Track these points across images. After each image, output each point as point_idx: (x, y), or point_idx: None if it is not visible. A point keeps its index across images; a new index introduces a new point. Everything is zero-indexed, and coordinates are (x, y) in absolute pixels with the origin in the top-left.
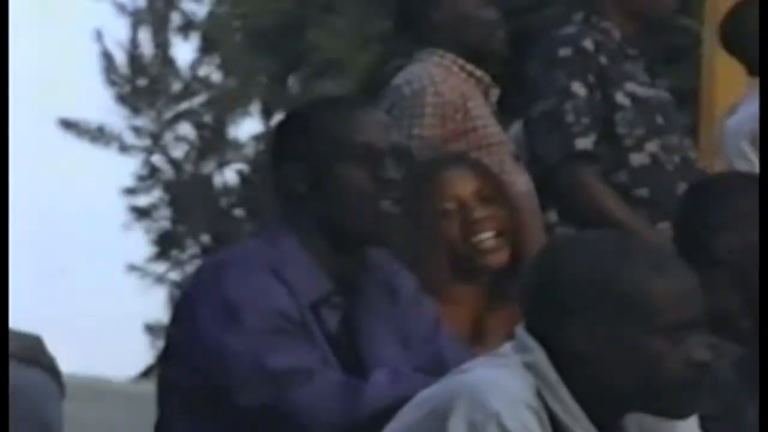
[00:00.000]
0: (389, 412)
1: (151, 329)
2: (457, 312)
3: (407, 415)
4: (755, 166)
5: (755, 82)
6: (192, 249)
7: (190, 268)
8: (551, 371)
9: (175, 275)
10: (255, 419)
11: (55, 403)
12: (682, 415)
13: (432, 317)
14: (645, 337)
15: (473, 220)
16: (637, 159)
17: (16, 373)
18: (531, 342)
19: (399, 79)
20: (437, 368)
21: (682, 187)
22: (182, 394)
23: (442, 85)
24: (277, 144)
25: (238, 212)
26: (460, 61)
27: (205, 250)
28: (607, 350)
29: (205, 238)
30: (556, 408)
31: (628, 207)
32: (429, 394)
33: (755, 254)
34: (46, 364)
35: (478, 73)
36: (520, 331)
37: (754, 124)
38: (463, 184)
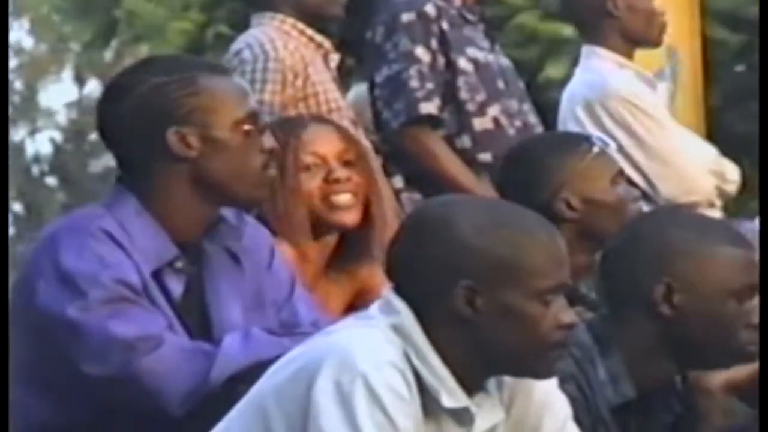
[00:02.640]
0: (243, 375)
1: None
2: (304, 268)
3: (275, 374)
4: (588, 131)
5: (588, 48)
6: None
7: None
8: (419, 334)
9: None
10: (104, 388)
11: None
12: (550, 375)
13: (287, 279)
14: (524, 302)
15: (334, 179)
16: (480, 123)
17: None
18: (399, 304)
19: (239, 44)
20: (291, 329)
21: None
22: (29, 368)
23: (283, 49)
24: (143, 107)
25: (51, 180)
26: (300, 25)
27: (18, 219)
28: (487, 314)
29: (17, 207)
30: (423, 370)
31: (471, 171)
32: (297, 354)
33: (593, 207)
34: None
35: (318, 37)
36: (389, 293)
37: (588, 92)
38: (327, 143)
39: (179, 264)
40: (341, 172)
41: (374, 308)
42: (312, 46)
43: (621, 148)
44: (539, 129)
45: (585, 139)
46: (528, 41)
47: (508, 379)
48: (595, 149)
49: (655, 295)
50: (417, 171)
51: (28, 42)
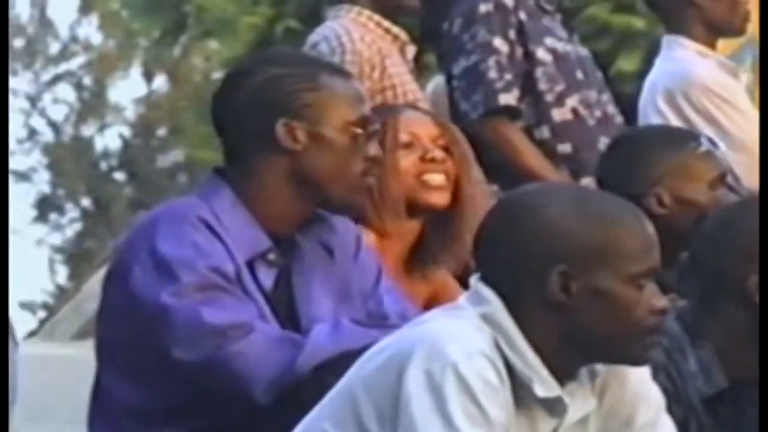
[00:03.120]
0: (330, 364)
1: (24, 305)
2: (389, 247)
3: (365, 363)
4: (670, 122)
5: (671, 38)
6: (72, 212)
7: (70, 231)
8: (509, 322)
9: (54, 238)
10: (195, 375)
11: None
12: (645, 361)
13: (374, 270)
14: (618, 286)
15: (430, 158)
16: (559, 114)
17: None
18: (488, 293)
19: (316, 36)
20: (378, 320)
21: (603, 143)
22: (120, 352)
23: (360, 42)
24: (259, 97)
25: (119, 175)
26: (377, 17)
27: (85, 214)
28: (581, 300)
29: (85, 202)
30: (514, 359)
31: (551, 163)
32: (387, 344)
33: (685, 207)
34: None
35: (395, 29)
36: (477, 282)
37: (669, 81)
38: (423, 126)
39: (272, 256)
40: (437, 153)
41: (463, 299)
42: (388, 38)
43: None
44: (619, 119)
45: (692, 137)
46: (599, 33)
47: (600, 369)
48: (701, 149)
49: (749, 285)
50: (495, 162)
51: (96, 38)
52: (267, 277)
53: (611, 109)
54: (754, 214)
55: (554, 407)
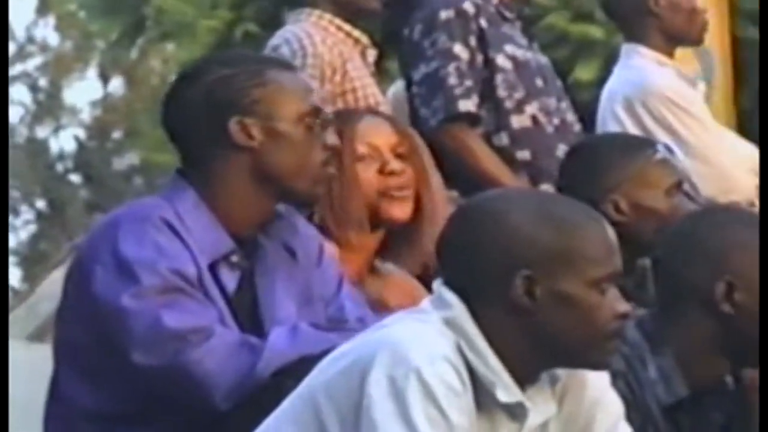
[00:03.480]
0: (289, 369)
1: None
2: (351, 259)
3: (327, 367)
4: (627, 130)
5: (630, 46)
6: (27, 214)
7: (24, 233)
8: (472, 327)
9: (10, 240)
10: (153, 378)
11: None
12: (606, 366)
13: (335, 276)
14: (581, 290)
15: (389, 171)
16: (518, 121)
17: None
18: (451, 297)
19: (277, 39)
20: (338, 326)
21: (562, 150)
22: (79, 354)
23: (321, 45)
24: (209, 96)
25: (74, 178)
26: (337, 20)
27: (40, 216)
28: (544, 304)
29: (40, 204)
30: (477, 363)
31: (510, 169)
32: (350, 348)
33: (642, 214)
34: None
35: (356, 33)
36: (440, 287)
37: (628, 90)
38: (381, 135)
39: (234, 258)
40: (396, 164)
41: (426, 303)
42: (349, 41)
43: None
44: (577, 127)
45: (649, 145)
46: (557, 42)
47: (561, 373)
48: (658, 156)
49: (717, 293)
50: (455, 169)
51: (53, 39)
52: (230, 279)
53: (570, 116)
54: (721, 223)
55: (515, 412)
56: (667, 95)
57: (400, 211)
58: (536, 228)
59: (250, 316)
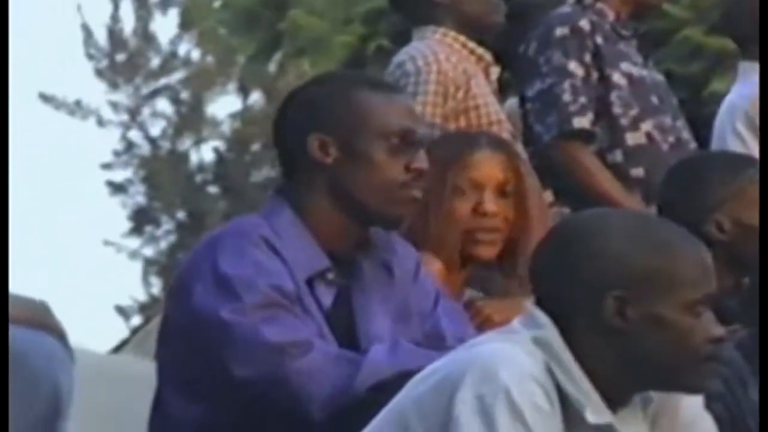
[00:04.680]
0: (387, 384)
1: (121, 310)
2: (450, 282)
3: (417, 384)
4: (749, 147)
5: (749, 64)
6: (167, 225)
7: (164, 244)
8: (562, 347)
9: (149, 251)
10: (253, 392)
11: (66, 366)
12: (700, 390)
13: (432, 292)
14: (675, 313)
15: (483, 211)
16: (633, 138)
17: (25, 337)
18: (542, 317)
19: (402, 56)
20: (435, 343)
21: None
22: (180, 370)
23: (445, 62)
24: (299, 114)
25: (213, 189)
26: (462, 38)
27: (180, 226)
28: (637, 326)
29: (180, 215)
30: (566, 384)
31: (623, 186)
32: (440, 365)
33: (745, 233)
34: (55, 329)
35: (479, 50)
36: (531, 307)
37: (749, 106)
38: (488, 170)
39: (330, 275)
40: (491, 206)
41: (516, 322)
42: (473, 59)
43: None
44: (692, 145)
45: (751, 163)
46: (692, 55)
47: (654, 396)
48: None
49: None
50: (568, 185)
51: (195, 54)
52: (326, 295)
53: (686, 135)
54: None
55: None
56: None
57: (485, 252)
58: (630, 248)
59: (346, 332)
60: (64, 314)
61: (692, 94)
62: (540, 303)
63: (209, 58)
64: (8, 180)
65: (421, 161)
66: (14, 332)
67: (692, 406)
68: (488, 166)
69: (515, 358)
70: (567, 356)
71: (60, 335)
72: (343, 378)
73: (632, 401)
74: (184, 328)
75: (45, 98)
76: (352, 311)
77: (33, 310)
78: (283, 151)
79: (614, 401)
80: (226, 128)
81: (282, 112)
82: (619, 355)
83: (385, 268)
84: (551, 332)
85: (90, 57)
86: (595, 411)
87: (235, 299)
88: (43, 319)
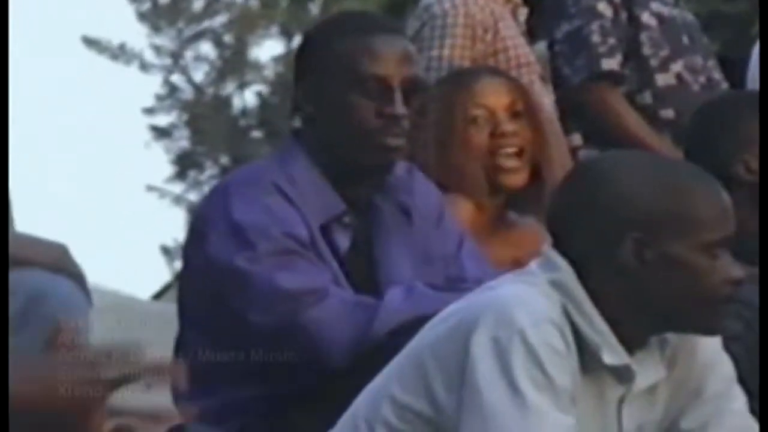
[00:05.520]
0: (404, 328)
1: (166, 250)
2: (481, 220)
3: (433, 328)
4: None
5: None
6: (211, 170)
7: (208, 188)
8: (579, 289)
9: (193, 196)
10: (270, 338)
11: (83, 311)
12: (717, 331)
13: (455, 234)
14: (692, 254)
15: (501, 132)
16: (663, 80)
17: (42, 280)
18: (559, 260)
19: None
20: (458, 284)
21: None
22: (199, 315)
23: (473, 4)
24: (296, 61)
25: (257, 134)
26: None
27: (224, 171)
28: (654, 267)
29: (224, 159)
30: (583, 326)
31: (652, 128)
32: (455, 309)
33: None
34: (74, 273)
35: None
36: (549, 249)
37: None
38: (496, 96)
39: (347, 219)
40: (508, 126)
41: (533, 265)
42: (501, 0)
43: None
44: (724, 85)
45: None
46: None
47: (671, 338)
48: None
49: None
50: (596, 128)
51: None
52: (343, 240)
53: (717, 74)
54: None
55: (622, 375)
56: None
57: (515, 180)
58: (648, 190)
59: (365, 276)
60: (109, 260)
61: (739, 33)
62: (557, 245)
63: (252, 1)
64: (8, 180)
65: (396, 107)
66: (32, 275)
67: (710, 347)
68: (494, 91)
69: (531, 300)
70: (584, 298)
71: (77, 278)
72: (359, 324)
73: (649, 343)
74: (202, 275)
75: (89, 42)
76: (371, 255)
77: (52, 254)
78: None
79: (631, 343)
80: (269, 72)
81: (297, 57)
82: (637, 297)
83: (404, 210)
84: (568, 274)
85: (133, 0)
86: (611, 352)
87: (249, 247)
88: (61, 263)
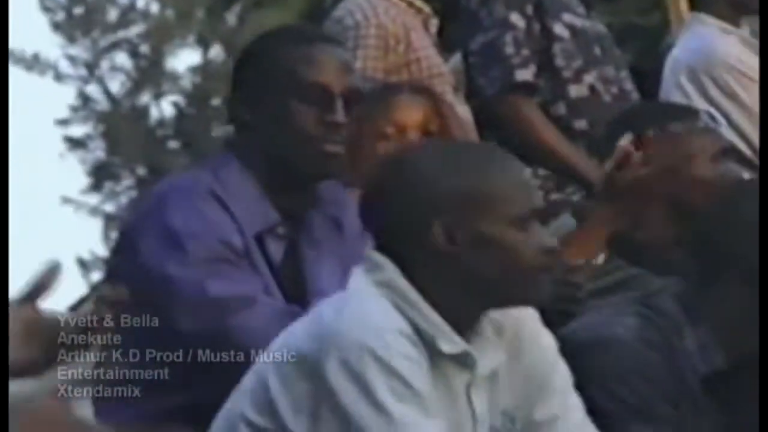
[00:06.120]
0: None
1: (82, 263)
2: None
3: (278, 347)
4: (692, 100)
5: (697, 16)
6: (127, 180)
7: (125, 199)
8: (406, 284)
9: (109, 207)
10: (197, 345)
11: None
12: (541, 300)
13: None
14: (499, 229)
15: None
16: (576, 91)
17: None
18: (381, 259)
19: (341, 11)
20: None
21: None
22: (127, 328)
23: (384, 15)
24: (235, 72)
25: (174, 144)
26: None
27: (141, 182)
28: (467, 248)
29: (141, 170)
30: (418, 319)
31: (567, 139)
32: (293, 339)
33: (688, 183)
34: None
35: (418, 2)
36: (369, 251)
37: (692, 59)
38: (409, 112)
39: (281, 230)
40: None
41: (357, 269)
42: (412, 11)
43: (727, 117)
44: (635, 96)
45: (690, 113)
46: (653, 7)
47: (505, 323)
48: (700, 124)
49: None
50: (511, 139)
51: (154, 7)
52: (276, 250)
53: (629, 85)
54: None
55: (463, 361)
56: (731, 64)
57: None
58: (446, 174)
59: (295, 287)
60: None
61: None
62: (377, 243)
63: (168, 11)
64: (7, 180)
65: (337, 115)
66: None
67: (552, 344)
68: (408, 109)
69: (365, 314)
70: (411, 292)
71: None
72: None
73: (485, 329)
74: (131, 282)
75: None
76: (302, 266)
77: None
78: (227, 108)
79: (463, 327)
80: (186, 82)
81: (236, 70)
82: (457, 279)
83: (335, 222)
84: (392, 272)
85: (47, 9)
86: (447, 341)
87: (182, 253)
88: None
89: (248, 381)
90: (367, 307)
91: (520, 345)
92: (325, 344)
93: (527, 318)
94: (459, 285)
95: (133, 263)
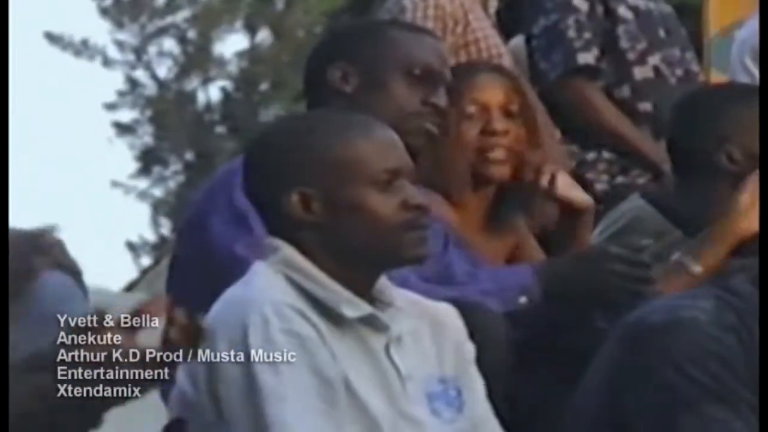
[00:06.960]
0: None
1: (132, 246)
2: (465, 218)
3: None
4: (756, 80)
5: None
6: (175, 165)
7: (173, 184)
8: (300, 258)
9: (158, 191)
10: None
11: (79, 303)
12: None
13: (441, 234)
14: (359, 192)
15: (491, 130)
16: (640, 73)
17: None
18: (275, 241)
19: None
20: (446, 282)
21: None
22: (192, 303)
23: None
24: (324, 44)
25: (221, 129)
26: None
27: (188, 166)
28: (329, 214)
29: (188, 155)
30: (315, 289)
31: (630, 121)
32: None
33: (755, 163)
34: (68, 266)
35: None
36: (266, 239)
37: (758, 40)
38: (491, 92)
39: None
40: (499, 124)
41: (256, 260)
42: None
43: None
44: (702, 77)
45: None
46: None
47: (423, 303)
48: None
49: None
50: (574, 123)
51: None
52: None
53: (695, 66)
54: None
55: (374, 324)
56: None
57: (497, 171)
58: (297, 144)
59: None
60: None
61: (694, 27)
62: (270, 230)
63: None
64: (8, 180)
65: (440, 98)
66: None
67: (444, 307)
68: (490, 88)
69: (254, 299)
70: (306, 264)
71: (73, 272)
72: None
73: (395, 300)
74: (197, 263)
75: (51, 38)
76: None
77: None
78: (306, 82)
79: (365, 293)
80: (233, 67)
81: (314, 47)
82: (332, 247)
83: None
84: (286, 249)
85: None
86: (350, 305)
87: (250, 233)
88: (58, 257)
89: None
90: (252, 286)
91: (444, 321)
92: (214, 322)
93: (440, 306)
94: (336, 252)
95: (201, 242)
